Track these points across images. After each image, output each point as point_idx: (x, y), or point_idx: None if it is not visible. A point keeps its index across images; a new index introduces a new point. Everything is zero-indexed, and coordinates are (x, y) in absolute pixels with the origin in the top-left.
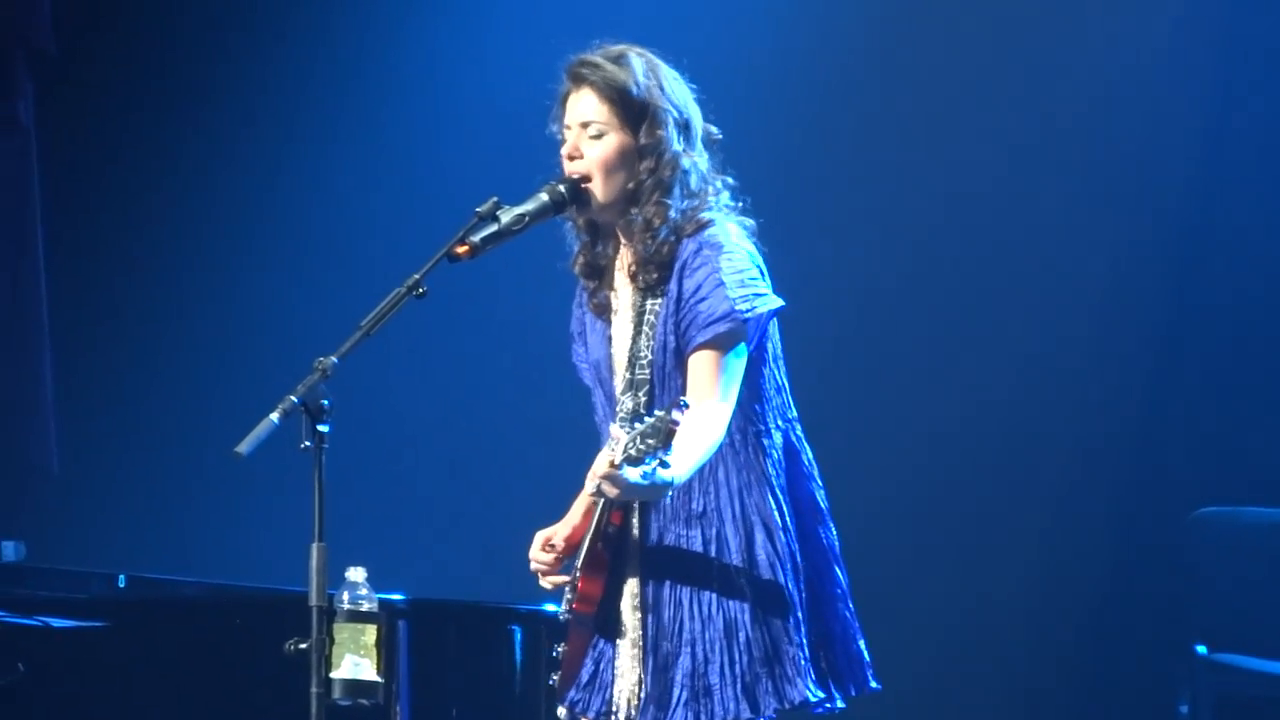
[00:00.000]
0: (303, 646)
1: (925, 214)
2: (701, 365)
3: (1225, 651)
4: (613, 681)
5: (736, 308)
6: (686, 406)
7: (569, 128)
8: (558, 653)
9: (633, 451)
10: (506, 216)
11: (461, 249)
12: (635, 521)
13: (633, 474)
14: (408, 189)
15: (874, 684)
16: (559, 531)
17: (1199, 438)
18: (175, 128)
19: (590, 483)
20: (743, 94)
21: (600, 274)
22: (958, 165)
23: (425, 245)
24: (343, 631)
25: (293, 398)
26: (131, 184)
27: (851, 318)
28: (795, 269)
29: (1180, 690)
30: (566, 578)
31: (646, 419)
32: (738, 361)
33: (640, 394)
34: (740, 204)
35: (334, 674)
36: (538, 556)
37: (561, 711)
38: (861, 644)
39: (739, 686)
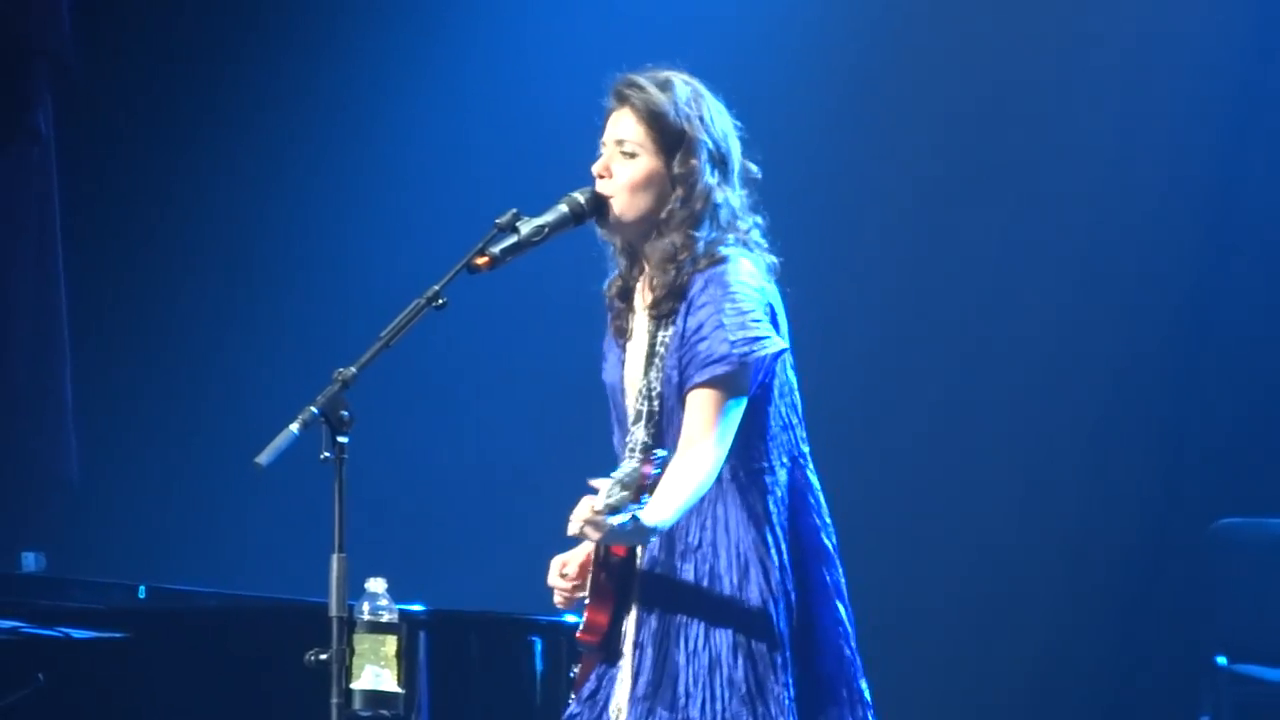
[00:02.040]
0: (323, 657)
1: (943, 222)
2: (697, 405)
3: (1246, 662)
4: (609, 702)
5: (735, 350)
6: (662, 461)
7: (605, 144)
8: (574, 674)
9: (613, 501)
10: (526, 228)
11: (481, 260)
12: (639, 552)
13: (610, 521)
14: (428, 200)
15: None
16: (573, 559)
17: (1220, 448)
18: (195, 138)
19: (573, 526)
20: (749, 98)
21: (629, 298)
22: (975, 171)
23: (445, 256)
24: (363, 642)
25: (313, 409)
26: (151, 194)
27: (869, 330)
28: (816, 276)
29: (1201, 701)
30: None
31: (624, 465)
32: (735, 403)
33: (650, 426)
34: (767, 244)
35: (354, 685)
36: (556, 584)
37: None
38: (862, 684)
39: None
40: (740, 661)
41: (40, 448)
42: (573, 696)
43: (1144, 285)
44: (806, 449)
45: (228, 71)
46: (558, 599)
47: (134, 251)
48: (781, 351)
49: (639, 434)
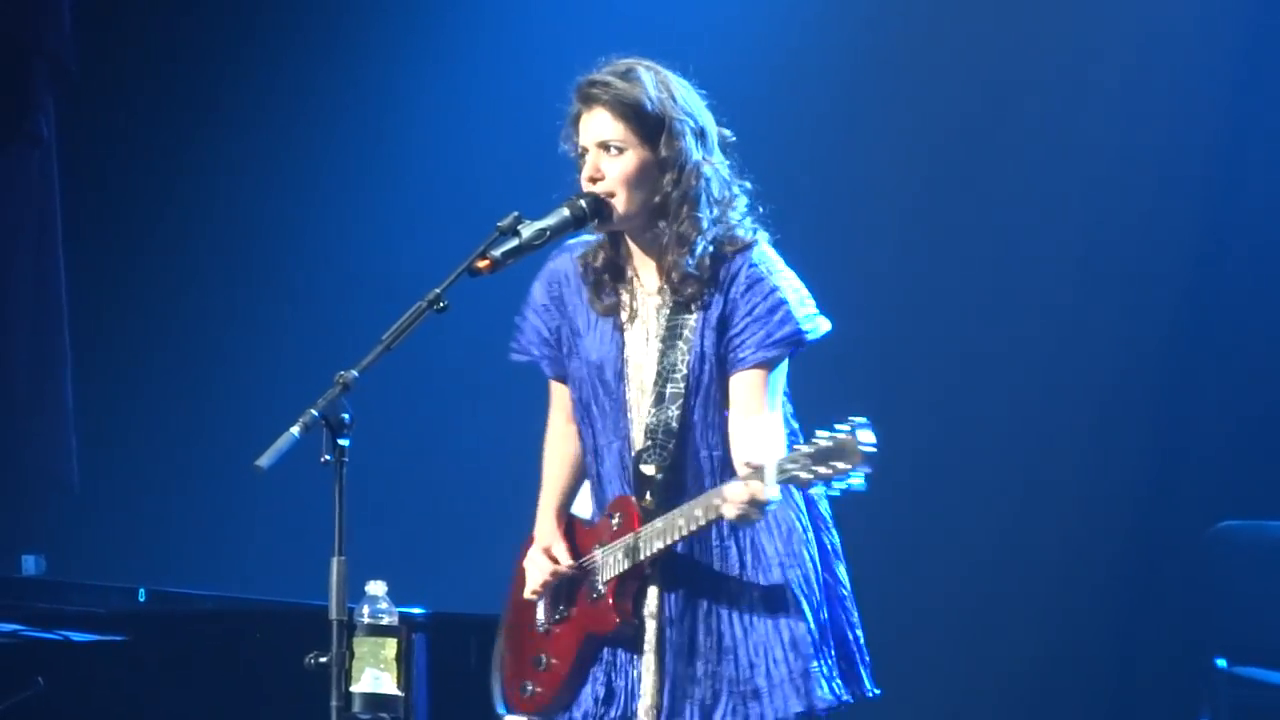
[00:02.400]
0: (323, 660)
1: (939, 222)
2: (753, 383)
3: (1246, 665)
4: (633, 692)
5: (802, 328)
6: (865, 426)
7: (586, 149)
8: (543, 662)
9: (801, 474)
10: (527, 231)
11: (482, 263)
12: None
13: (774, 493)
14: (430, 203)
15: (876, 690)
16: (554, 545)
17: (1220, 450)
18: (196, 140)
19: (734, 507)
20: (751, 97)
21: (620, 275)
22: (971, 170)
23: (446, 259)
24: (363, 645)
25: (313, 411)
26: (152, 197)
27: (867, 330)
28: (811, 275)
29: (1201, 703)
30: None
31: (815, 441)
32: (782, 379)
33: (673, 407)
34: (761, 209)
35: (354, 688)
36: (547, 570)
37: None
38: (861, 648)
39: (790, 685)
40: (801, 623)
41: (40, 450)
42: (529, 705)
43: (1143, 286)
44: (797, 425)
45: (228, 73)
46: (536, 589)
47: (134, 254)
48: (829, 332)
49: (663, 414)
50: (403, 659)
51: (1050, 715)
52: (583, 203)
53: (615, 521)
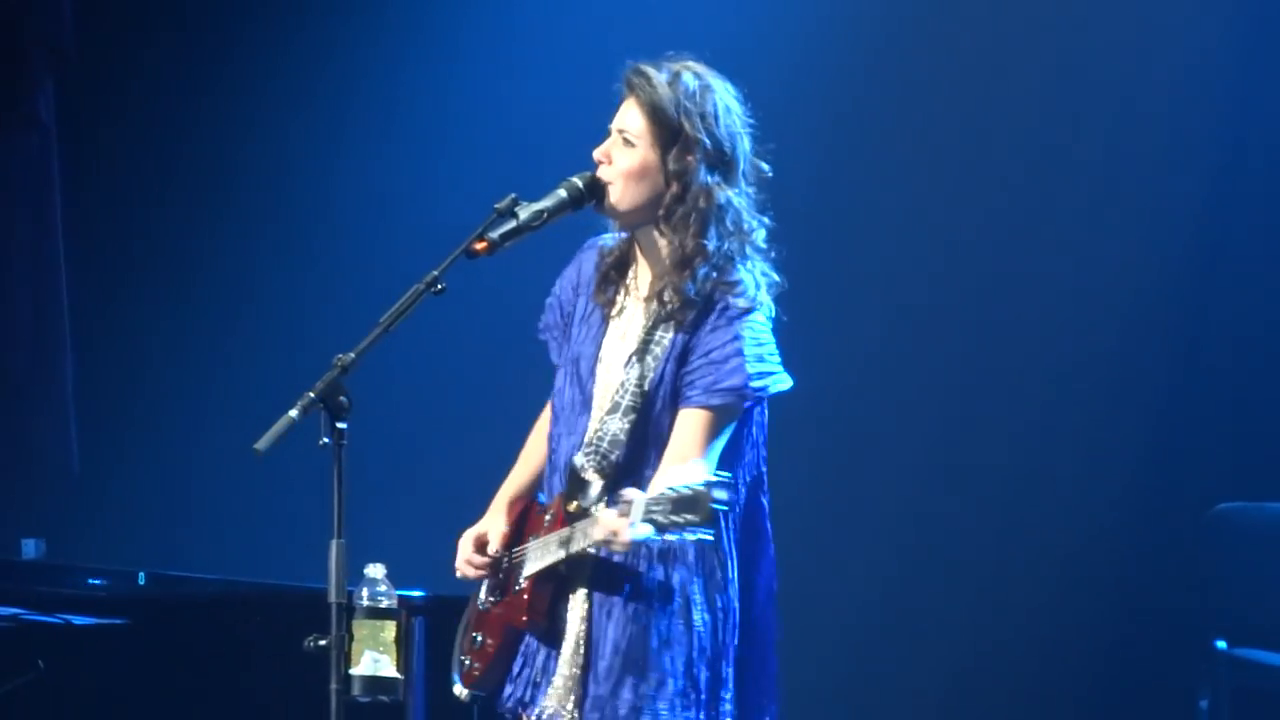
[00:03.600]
0: (322, 643)
1: (941, 208)
2: (693, 425)
3: (1245, 646)
4: (540, 683)
5: (751, 384)
6: (725, 485)
7: (611, 130)
8: (478, 640)
9: (660, 519)
10: (525, 213)
11: (480, 245)
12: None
13: (648, 532)
14: (426, 185)
15: None
16: (492, 533)
17: (1218, 432)
18: (194, 124)
19: (602, 534)
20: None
21: (624, 273)
22: (967, 162)
23: (444, 242)
24: (362, 628)
25: (312, 394)
26: (151, 182)
27: (864, 310)
28: (810, 267)
29: (1200, 685)
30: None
31: (678, 489)
32: (729, 429)
33: (625, 420)
34: (772, 252)
35: (353, 670)
36: (475, 560)
37: (462, 691)
38: (772, 701)
39: (675, 713)
40: (699, 666)
41: (41, 435)
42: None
43: (1141, 270)
44: (764, 470)
45: (228, 56)
46: (468, 575)
47: (134, 238)
48: (789, 389)
49: (613, 425)
50: (402, 642)
51: (1050, 698)
52: (580, 184)
53: (547, 518)
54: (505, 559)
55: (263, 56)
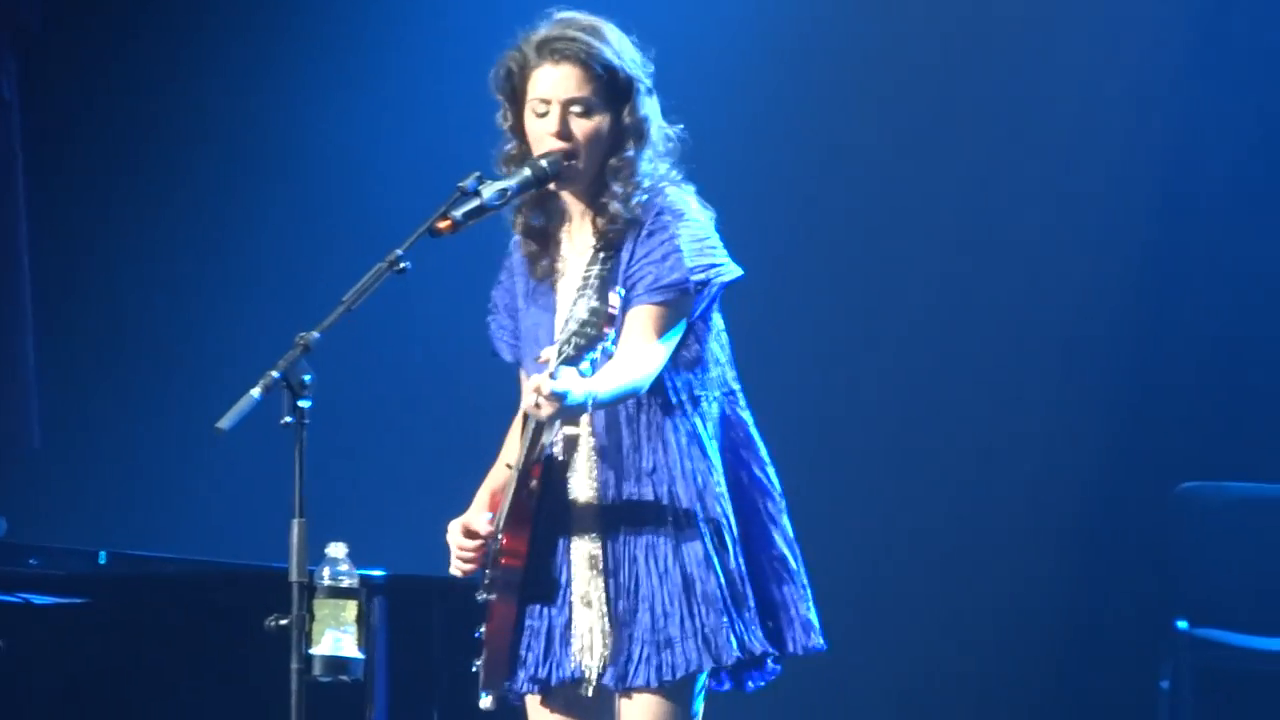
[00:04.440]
0: (283, 623)
1: (906, 203)
2: (641, 319)
3: (1207, 627)
4: (571, 649)
5: (692, 277)
6: (622, 293)
7: (547, 102)
8: (480, 634)
9: (569, 350)
10: (488, 191)
11: (443, 224)
12: (581, 481)
13: (571, 380)
14: (390, 164)
15: (821, 642)
16: (477, 523)
17: (1180, 413)
18: (161, 102)
19: (528, 397)
20: (716, 93)
21: (545, 240)
22: (931, 150)
23: (407, 220)
24: (323, 607)
25: (274, 373)
26: (115, 160)
27: (825, 304)
28: (771, 263)
29: (1162, 665)
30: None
31: (580, 317)
32: (680, 325)
33: (569, 349)
34: (684, 141)
35: (314, 650)
36: (464, 545)
37: (488, 702)
38: (808, 606)
39: (700, 638)
40: (712, 577)
41: (2, 413)
42: (478, 661)
43: (1101, 252)
44: (738, 386)
45: (195, 35)
46: (462, 566)
47: (98, 216)
48: (737, 278)
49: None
50: (363, 621)
51: (1012, 678)
52: (544, 163)
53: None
54: (494, 544)
55: (230, 34)
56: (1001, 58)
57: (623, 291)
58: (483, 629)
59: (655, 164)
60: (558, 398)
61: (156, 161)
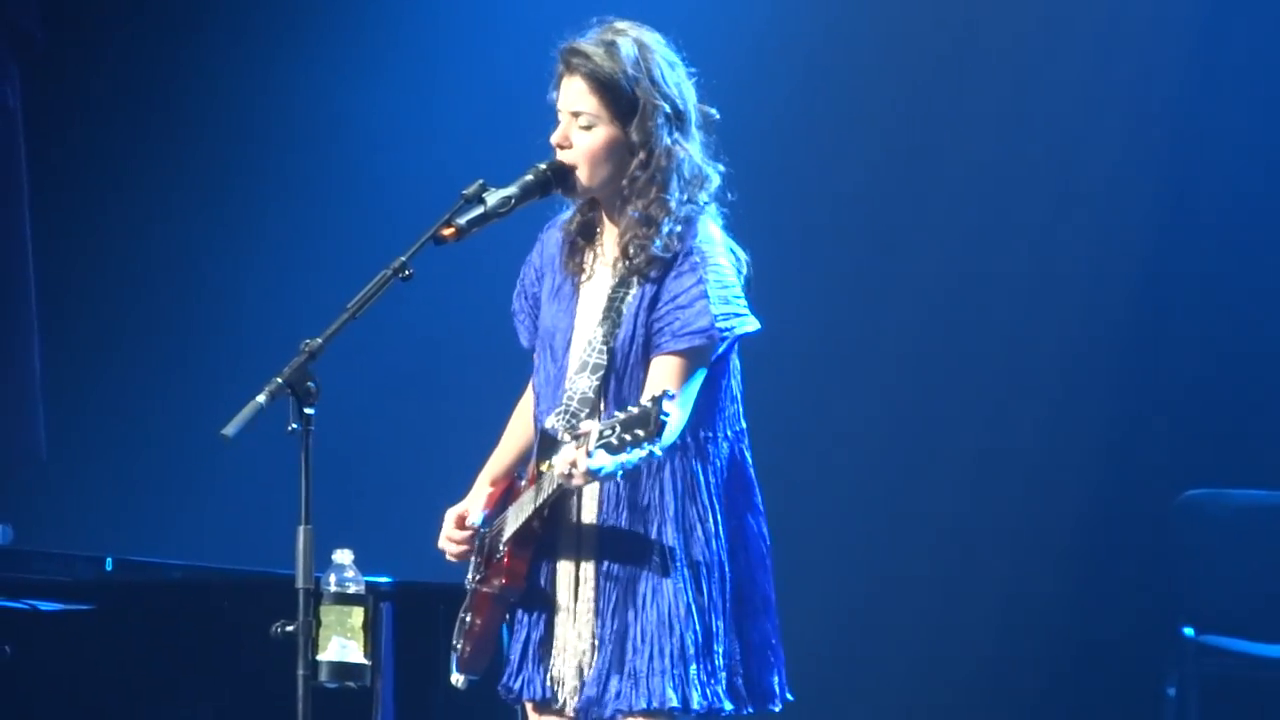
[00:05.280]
0: (289, 629)
1: (908, 208)
2: (666, 370)
3: (1212, 633)
4: (546, 663)
5: (717, 325)
6: (671, 398)
7: (561, 111)
8: (467, 621)
9: (613, 440)
10: (492, 199)
11: (447, 231)
12: (576, 505)
13: (607, 461)
14: (394, 173)
15: (788, 696)
16: (472, 508)
17: (1185, 420)
18: (161, 111)
19: (561, 466)
20: (728, 94)
21: (591, 236)
22: (932, 155)
23: (412, 228)
24: (329, 614)
25: (279, 380)
26: (118, 168)
27: (832, 309)
28: (770, 266)
29: (1167, 672)
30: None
31: (629, 409)
32: (700, 374)
33: (594, 378)
34: (729, 195)
35: (321, 656)
36: (454, 535)
37: (458, 677)
38: (778, 658)
39: (668, 678)
40: (688, 622)
41: (8, 419)
42: (460, 643)
43: (1104, 258)
44: (745, 425)
45: (195, 43)
46: (452, 550)
47: (101, 223)
48: (755, 331)
49: (581, 383)
50: (370, 628)
51: (1018, 683)
52: (547, 170)
53: (523, 485)
54: (487, 534)
55: (229, 42)
56: (1002, 67)
57: (670, 393)
58: (469, 616)
59: (686, 192)
60: (591, 474)
61: (160, 169)
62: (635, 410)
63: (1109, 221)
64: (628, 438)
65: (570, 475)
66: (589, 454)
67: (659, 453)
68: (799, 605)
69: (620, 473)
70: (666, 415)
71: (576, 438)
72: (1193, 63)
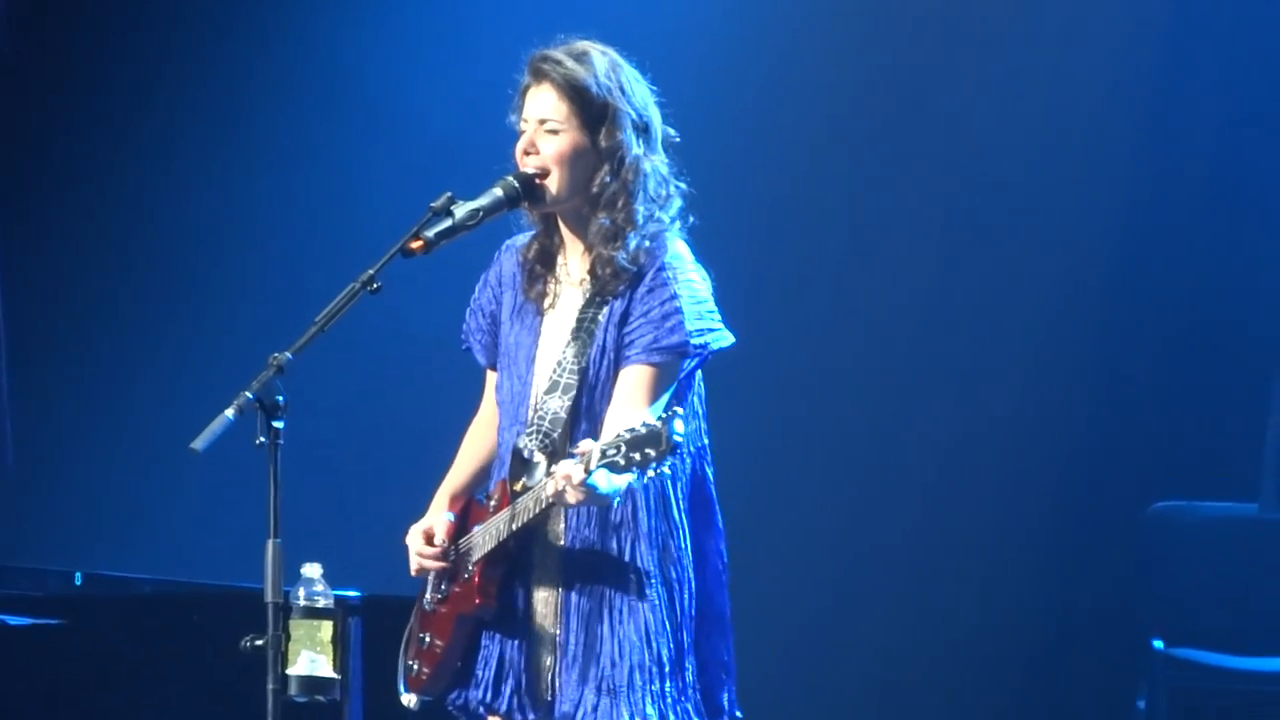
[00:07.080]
0: (259, 643)
1: (882, 214)
2: (637, 380)
3: (1182, 646)
4: (516, 680)
5: (692, 341)
6: (679, 416)
7: (526, 122)
8: (426, 641)
9: (619, 460)
10: (460, 211)
11: (416, 244)
12: (551, 526)
13: (614, 481)
14: (363, 185)
15: (737, 713)
16: (438, 526)
17: (1153, 433)
18: (131, 122)
19: (554, 484)
20: (705, 98)
21: (550, 264)
22: (905, 157)
23: (380, 240)
24: (299, 628)
25: (248, 394)
26: (85, 180)
27: (798, 315)
28: (753, 271)
29: (1138, 685)
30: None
31: (636, 429)
32: (670, 388)
33: (565, 397)
34: (690, 217)
35: (290, 670)
36: (425, 551)
37: (410, 698)
38: (730, 674)
39: (648, 694)
40: (662, 638)
41: None
42: (414, 662)
43: (1074, 269)
44: (707, 442)
45: (166, 54)
46: (424, 565)
47: (69, 236)
48: (729, 345)
49: (553, 404)
50: (339, 641)
51: (988, 698)
52: (515, 182)
53: (492, 503)
54: (452, 551)
55: (202, 53)
56: (970, 66)
57: (681, 413)
58: (428, 636)
59: (651, 208)
60: (593, 494)
61: (128, 184)
62: (642, 430)
63: (1078, 232)
64: (636, 457)
65: (563, 492)
66: (588, 472)
67: (668, 472)
68: (762, 617)
69: (617, 499)
70: (680, 435)
71: (573, 455)
72: (1163, 61)
